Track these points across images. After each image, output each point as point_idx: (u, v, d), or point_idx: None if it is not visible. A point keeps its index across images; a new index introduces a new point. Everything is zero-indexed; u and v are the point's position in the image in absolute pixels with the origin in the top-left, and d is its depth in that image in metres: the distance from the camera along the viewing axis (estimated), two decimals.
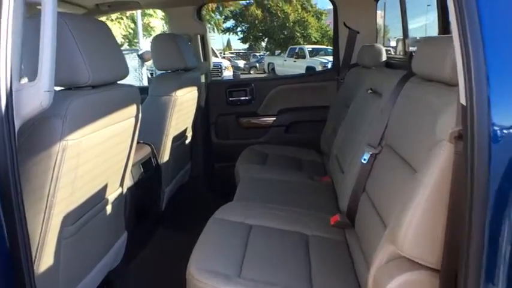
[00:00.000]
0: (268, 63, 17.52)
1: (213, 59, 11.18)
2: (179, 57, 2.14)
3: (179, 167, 2.43)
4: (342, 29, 2.55)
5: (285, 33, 20.45)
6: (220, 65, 11.60)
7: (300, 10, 19.54)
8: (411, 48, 2.56)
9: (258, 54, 24.99)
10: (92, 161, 1.23)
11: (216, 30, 19.19)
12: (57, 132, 1.04)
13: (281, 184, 1.95)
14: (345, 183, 1.57)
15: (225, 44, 31.58)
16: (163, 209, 2.19)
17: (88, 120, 1.14)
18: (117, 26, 10.83)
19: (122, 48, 10.73)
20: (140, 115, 1.55)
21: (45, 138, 1.04)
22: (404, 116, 1.27)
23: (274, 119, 2.76)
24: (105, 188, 1.41)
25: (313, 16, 20.11)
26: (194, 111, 2.46)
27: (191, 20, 2.54)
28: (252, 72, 22.12)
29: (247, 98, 2.77)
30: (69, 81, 1.13)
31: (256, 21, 20.72)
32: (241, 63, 24.05)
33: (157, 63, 2.17)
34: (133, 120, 1.49)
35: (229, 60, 23.48)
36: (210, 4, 10.72)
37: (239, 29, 22.36)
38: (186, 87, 2.20)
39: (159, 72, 2.21)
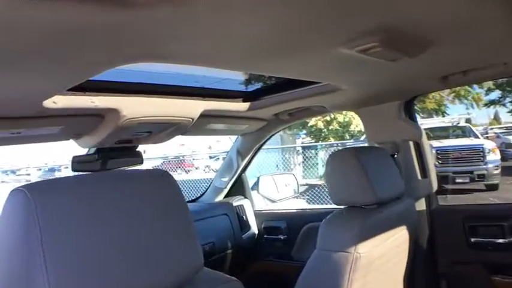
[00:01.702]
0: None
1: (472, 141, 9.34)
2: (365, 188, 1.35)
3: None
4: None
5: None
6: (482, 148, 9.53)
7: None
8: None
9: None
10: None
11: (475, 106, 16.60)
12: None
13: None
14: None
15: (491, 117, 27.18)
16: None
17: None
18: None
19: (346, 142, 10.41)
20: None
21: None
22: None
23: None
24: None
25: None
26: (405, 262, 1.55)
27: (396, 120, 1.72)
28: None
29: (506, 239, 1.61)
30: None
31: None
32: None
33: (332, 194, 1.44)
34: None
35: (498, 136, 19.76)
36: None
37: (507, 99, 18.75)
38: (381, 233, 1.36)
39: (335, 206, 1.47)
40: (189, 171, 13.48)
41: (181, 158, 14.62)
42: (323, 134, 11.43)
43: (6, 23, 0.59)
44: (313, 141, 12.00)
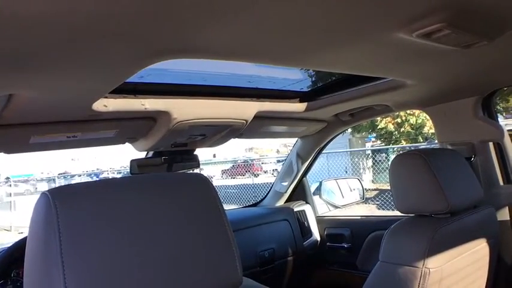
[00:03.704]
0: None
1: None
2: (435, 194, 1.20)
3: None
4: None
5: None
6: None
7: None
8: None
9: None
10: None
11: None
12: None
13: None
14: None
15: None
16: None
17: None
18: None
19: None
20: None
21: None
22: None
23: None
24: None
25: None
26: (484, 281, 1.36)
27: (472, 119, 1.52)
28: None
29: None
30: None
31: None
32: None
33: (398, 201, 1.30)
34: None
35: None
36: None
37: None
38: (455, 246, 1.21)
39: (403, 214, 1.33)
40: (257, 175, 13.61)
41: (250, 162, 14.82)
42: (394, 137, 10.86)
43: (40, 20, 0.58)
44: (383, 144, 11.48)
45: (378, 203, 8.60)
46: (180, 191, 0.67)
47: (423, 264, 1.12)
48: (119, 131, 1.31)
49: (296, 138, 2.18)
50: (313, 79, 1.64)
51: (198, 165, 1.79)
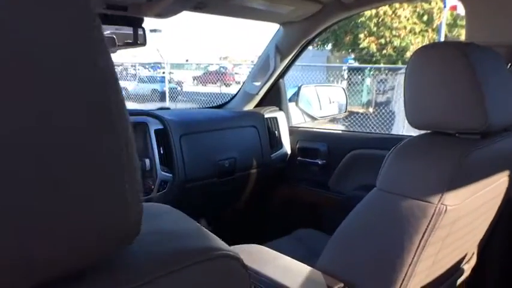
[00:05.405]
0: None
1: None
2: (473, 105, 0.82)
3: None
4: None
5: None
6: None
7: None
8: None
9: None
10: None
11: None
12: None
13: None
14: None
15: None
16: None
17: None
18: (420, 39, 9.68)
19: None
20: None
21: None
22: None
23: None
24: None
25: None
26: (490, 220, 1.08)
27: None
28: None
29: None
30: None
31: None
32: None
33: (412, 112, 0.92)
34: None
35: None
36: None
37: None
38: (480, 179, 0.87)
39: (413, 133, 0.97)
40: (229, 84, 13.14)
41: (222, 70, 14.23)
42: (374, 59, 10.49)
43: None
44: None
45: (346, 124, 8.52)
46: None
47: (440, 200, 0.79)
48: None
49: (278, 26, 1.72)
50: None
51: (144, 43, 1.34)
